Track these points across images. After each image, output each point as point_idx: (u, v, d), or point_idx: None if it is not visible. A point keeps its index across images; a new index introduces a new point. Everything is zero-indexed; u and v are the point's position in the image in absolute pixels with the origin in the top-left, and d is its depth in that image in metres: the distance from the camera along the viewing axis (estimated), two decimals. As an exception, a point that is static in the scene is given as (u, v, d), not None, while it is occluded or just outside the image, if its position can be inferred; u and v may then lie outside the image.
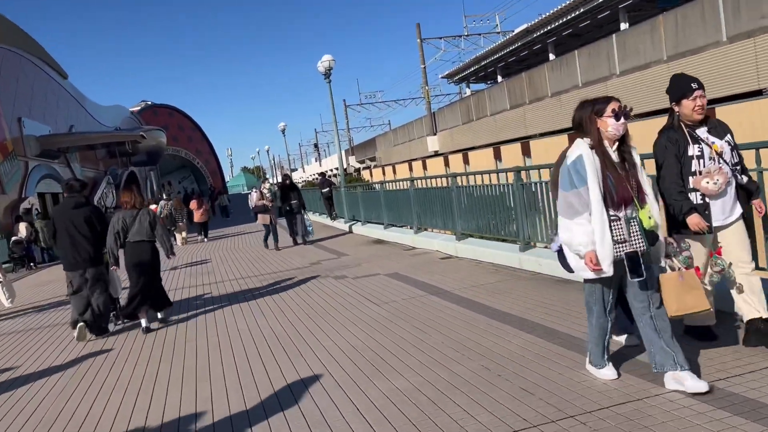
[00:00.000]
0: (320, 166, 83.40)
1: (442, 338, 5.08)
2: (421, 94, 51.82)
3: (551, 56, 31.33)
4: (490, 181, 8.96)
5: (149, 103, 63.10)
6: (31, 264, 18.88)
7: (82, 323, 6.98)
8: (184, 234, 20.07)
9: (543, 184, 7.31)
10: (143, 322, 7.14)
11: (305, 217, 14.65)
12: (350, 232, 16.09)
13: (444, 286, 7.27)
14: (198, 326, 6.97)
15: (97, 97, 46.86)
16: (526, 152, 25.74)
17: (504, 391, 3.72)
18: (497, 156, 28.84)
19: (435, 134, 40.96)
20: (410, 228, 12.48)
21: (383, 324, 5.86)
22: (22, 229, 19.10)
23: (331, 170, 68.87)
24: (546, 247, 7.49)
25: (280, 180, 14.44)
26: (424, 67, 43.87)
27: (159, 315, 7.50)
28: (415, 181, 12.29)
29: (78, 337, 6.93)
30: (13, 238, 18.87)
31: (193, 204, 20.89)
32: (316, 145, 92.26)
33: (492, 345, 4.70)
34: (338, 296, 7.57)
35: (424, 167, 40.87)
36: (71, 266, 7.17)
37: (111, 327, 7.40)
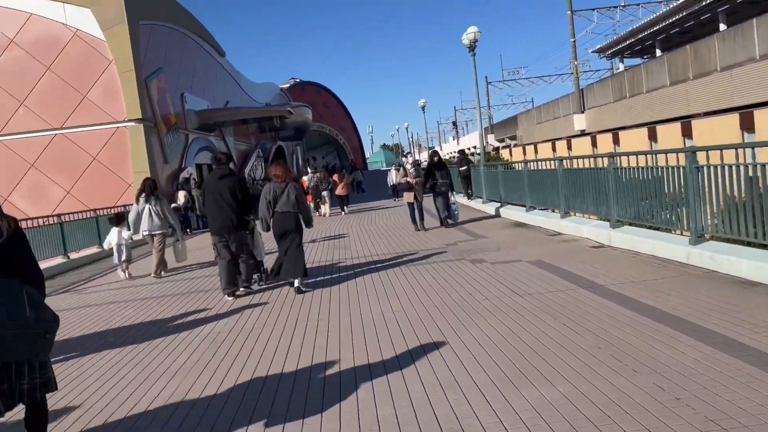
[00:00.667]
0: (458, 144, 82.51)
1: (596, 341, 4.44)
2: (569, 69, 49.16)
3: (722, 26, 28.03)
4: (655, 162, 7.93)
5: (298, 80, 65.92)
6: (187, 230, 20.30)
7: (228, 283, 7.79)
8: (327, 206, 20.90)
9: (723, 168, 6.27)
10: (295, 282, 7.78)
11: (451, 198, 13.48)
12: (495, 214, 15.43)
13: (596, 279, 6.51)
14: (331, 305, 6.83)
15: (249, 74, 49.70)
16: (687, 133, 23.29)
17: (685, 421, 3.04)
18: (652, 137, 26.45)
19: (582, 112, 38.69)
20: (556, 212, 11.61)
21: (527, 318, 5.30)
22: (181, 197, 20.55)
23: (469, 148, 67.81)
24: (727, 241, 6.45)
25: (416, 158, 13.66)
26: (574, 41, 41.39)
27: (295, 283, 7.81)
28: (564, 161, 11.37)
29: (227, 295, 7.79)
30: (173, 205, 20.36)
31: (335, 177, 22.36)
32: (454, 123, 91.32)
33: (662, 356, 3.98)
34: (476, 282, 7.07)
35: (569, 147, 38.79)
36: (217, 232, 7.86)
37: (255, 287, 8.28)
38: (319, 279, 8.53)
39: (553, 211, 12.03)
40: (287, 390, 4.20)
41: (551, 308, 5.53)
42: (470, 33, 17.75)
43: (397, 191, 23.98)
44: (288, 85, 60.87)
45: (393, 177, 24.26)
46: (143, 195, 10.38)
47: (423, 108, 47.02)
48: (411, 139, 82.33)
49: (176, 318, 7.12)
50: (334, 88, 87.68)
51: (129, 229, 10.83)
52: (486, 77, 63.99)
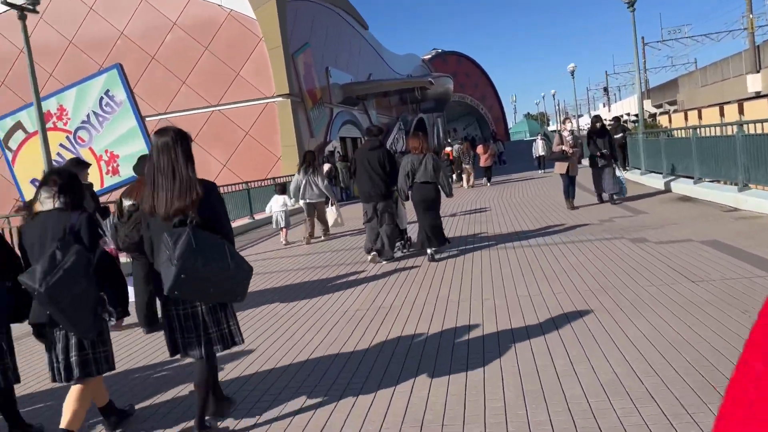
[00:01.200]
0: (608, 111, 77.36)
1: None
2: (742, 25, 43.58)
3: None
4: None
5: (439, 50, 65.21)
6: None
7: (374, 252, 8.30)
8: (471, 177, 20.59)
9: None
10: (429, 251, 8.02)
11: (617, 170, 11.63)
12: (658, 188, 14.04)
13: (792, 266, 5.48)
14: (473, 283, 6.42)
15: (391, 46, 49.77)
16: None
17: None
18: None
19: (758, 71, 34.34)
20: (732, 184, 10.19)
21: (706, 311, 4.52)
22: (325, 169, 21.09)
23: (621, 115, 63.15)
24: None
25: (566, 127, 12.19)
26: None
27: (428, 251, 8.03)
28: (745, 126, 9.89)
29: (371, 260, 8.30)
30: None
31: (479, 149, 21.80)
32: (605, 89, 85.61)
33: None
34: (638, 265, 6.27)
35: (740, 111, 34.69)
36: (366, 199, 8.38)
37: (398, 254, 8.63)
38: (458, 253, 8.14)
39: (727, 183, 10.59)
40: (433, 349, 4.49)
41: (736, 299, 4.69)
42: (629, -14, 16.11)
43: (543, 162, 22.83)
44: (429, 56, 60.41)
45: (539, 147, 23.26)
46: (303, 166, 11.19)
47: (572, 73, 44.22)
48: (557, 107, 78.58)
49: (327, 281, 7.63)
50: (476, 57, 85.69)
51: (290, 198, 11.71)
52: (642, 38, 58.81)
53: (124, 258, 7.36)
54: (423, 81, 33.07)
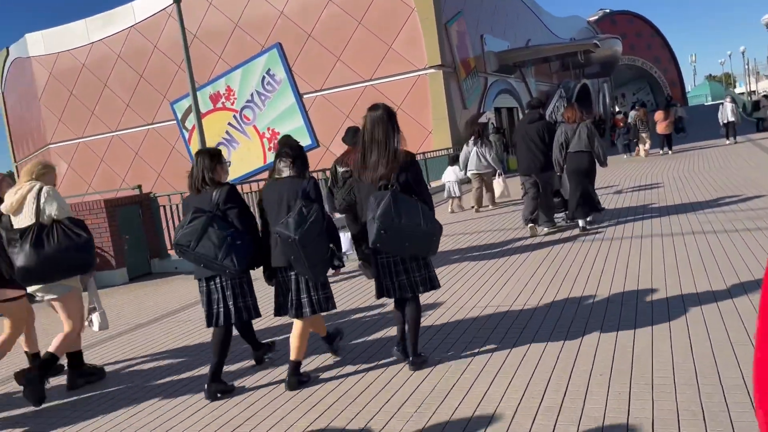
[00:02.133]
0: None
1: None
2: None
3: None
4: None
5: (607, 11, 60.30)
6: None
7: (532, 223, 8.39)
8: (647, 146, 19.05)
9: None
10: (580, 222, 8.15)
11: None
12: None
13: None
14: (642, 257, 5.41)
15: (553, 9, 46.71)
16: None
17: None
18: None
19: None
20: None
21: None
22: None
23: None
24: None
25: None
26: None
27: (580, 223, 8.14)
28: None
29: (530, 233, 8.38)
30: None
31: (658, 114, 19.75)
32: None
33: None
34: None
35: None
36: (525, 171, 8.46)
37: (563, 223, 8.76)
38: (615, 223, 7.25)
39: None
40: (616, 309, 4.74)
41: None
42: None
43: (734, 130, 19.91)
44: (596, 18, 56.09)
45: (728, 112, 19.82)
46: (472, 138, 11.66)
47: (767, 25, 38.16)
48: (747, 67, 69.34)
49: (494, 246, 8.16)
50: (651, 16, 78.12)
51: (460, 169, 12.29)
52: None
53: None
54: (587, 44, 30.44)
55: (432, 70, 21.24)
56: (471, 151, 11.63)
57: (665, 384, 3.28)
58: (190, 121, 25.57)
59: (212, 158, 4.22)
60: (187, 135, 25.73)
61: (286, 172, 4.14)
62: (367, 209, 3.94)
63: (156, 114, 26.36)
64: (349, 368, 4.32)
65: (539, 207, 8.38)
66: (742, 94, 59.26)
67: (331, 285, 4.24)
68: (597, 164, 8.24)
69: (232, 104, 24.77)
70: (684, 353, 3.65)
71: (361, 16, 22.06)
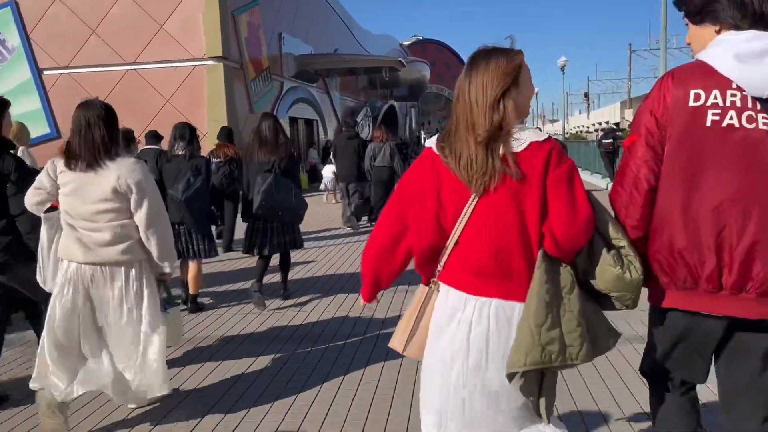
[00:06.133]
0: (588, 118, 74.70)
1: None
2: None
3: None
4: None
5: (420, 38, 61.35)
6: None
7: (348, 217, 10.60)
8: None
9: None
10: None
11: None
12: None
13: None
14: None
15: (367, 24, 45.10)
16: None
17: None
18: None
19: None
20: None
21: None
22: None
23: (600, 123, 60.14)
24: None
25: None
26: None
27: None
28: None
29: (347, 226, 10.78)
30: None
31: None
32: (586, 95, 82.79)
33: None
34: None
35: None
36: (345, 178, 10.49)
37: (368, 225, 10.74)
38: None
39: None
40: None
41: None
42: None
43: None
44: (409, 42, 56.63)
45: None
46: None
47: (563, 68, 39.32)
48: (538, 110, 75.26)
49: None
50: (459, 49, 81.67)
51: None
52: (630, 44, 55.56)
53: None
54: (392, 60, 29.02)
55: (211, 62, 17.76)
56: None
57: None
58: None
59: None
60: None
61: (181, 152, 5.72)
62: (255, 185, 5.54)
63: None
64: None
65: (352, 209, 10.46)
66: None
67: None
68: (396, 177, 9.84)
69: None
70: None
71: (127, -17, 17.87)
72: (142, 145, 8.44)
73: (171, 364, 4.15)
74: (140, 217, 3.32)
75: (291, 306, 5.87)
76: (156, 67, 17.93)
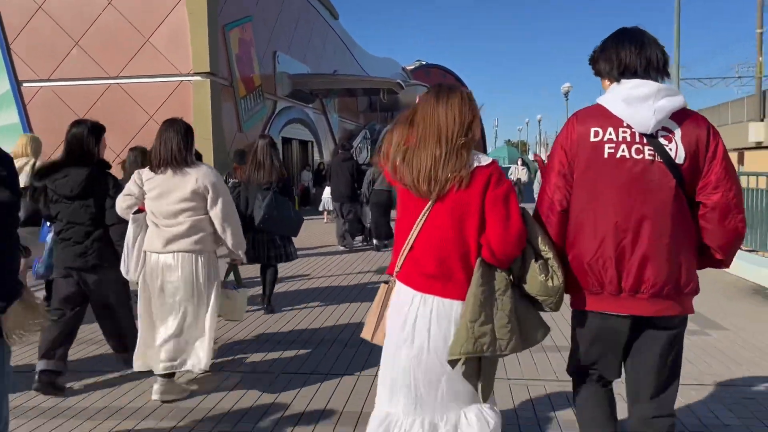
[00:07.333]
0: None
1: None
2: (736, 73, 39.65)
3: None
4: None
5: (423, 63, 61.03)
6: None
7: (341, 237, 11.16)
8: None
9: None
10: (375, 242, 11.08)
11: None
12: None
13: None
14: None
15: (368, 48, 44.39)
16: None
17: None
18: None
19: (762, 120, 31.27)
20: None
21: None
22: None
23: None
24: None
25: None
26: (761, 33, 34.00)
27: (375, 242, 11.27)
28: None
29: (338, 243, 11.37)
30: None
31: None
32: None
33: None
34: None
35: (740, 162, 31.51)
36: (337, 198, 11.15)
37: (357, 244, 11.58)
38: None
39: None
40: None
41: None
42: None
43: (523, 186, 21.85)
44: (412, 67, 56.25)
45: (518, 172, 24.02)
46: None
47: (566, 94, 39.03)
48: (539, 136, 74.73)
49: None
50: (462, 74, 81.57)
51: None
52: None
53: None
54: (390, 81, 28.27)
55: (198, 78, 16.96)
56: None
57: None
58: None
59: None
60: None
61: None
62: (255, 202, 6.14)
63: None
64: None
65: (345, 228, 11.02)
66: (535, 161, 63.17)
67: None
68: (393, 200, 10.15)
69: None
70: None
71: (114, -6, 17.20)
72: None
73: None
74: (216, 212, 3.99)
75: (301, 309, 6.50)
76: (140, 81, 17.16)
